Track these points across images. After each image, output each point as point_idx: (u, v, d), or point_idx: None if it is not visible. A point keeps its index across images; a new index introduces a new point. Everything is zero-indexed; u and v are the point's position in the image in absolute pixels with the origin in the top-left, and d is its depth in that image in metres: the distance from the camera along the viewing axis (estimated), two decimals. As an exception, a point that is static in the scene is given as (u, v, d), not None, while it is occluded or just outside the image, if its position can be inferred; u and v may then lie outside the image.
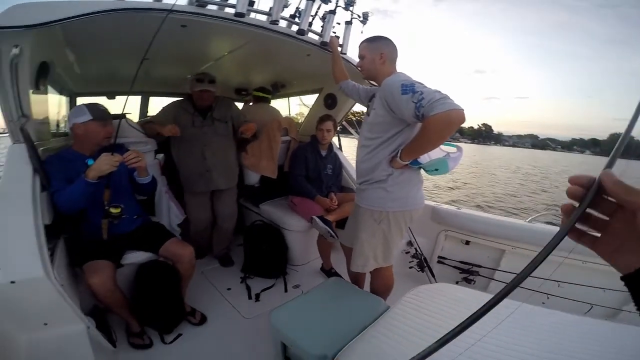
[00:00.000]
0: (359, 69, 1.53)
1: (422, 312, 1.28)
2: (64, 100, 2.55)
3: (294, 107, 3.68)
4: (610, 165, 0.36)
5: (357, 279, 1.87)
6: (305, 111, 3.33)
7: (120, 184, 1.63)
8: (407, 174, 1.44)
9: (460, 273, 2.26)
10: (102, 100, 2.69)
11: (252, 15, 1.57)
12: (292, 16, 1.71)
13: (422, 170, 1.53)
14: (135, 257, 1.70)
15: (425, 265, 2.23)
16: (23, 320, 1.19)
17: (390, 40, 1.45)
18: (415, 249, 2.28)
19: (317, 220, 2.15)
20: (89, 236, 1.56)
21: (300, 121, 3.46)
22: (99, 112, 1.57)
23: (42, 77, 1.45)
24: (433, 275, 2.21)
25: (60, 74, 2.01)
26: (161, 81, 2.83)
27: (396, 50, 1.45)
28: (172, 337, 1.69)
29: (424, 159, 1.38)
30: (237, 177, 2.35)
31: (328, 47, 1.85)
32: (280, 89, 3.29)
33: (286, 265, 2.46)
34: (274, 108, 3.05)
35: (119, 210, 1.47)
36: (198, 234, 2.39)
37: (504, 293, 0.36)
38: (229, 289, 2.22)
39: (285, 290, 2.25)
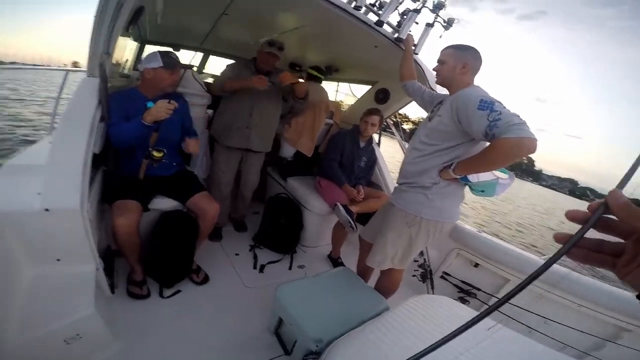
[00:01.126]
0: (435, 72, 1.48)
1: (421, 319, 1.28)
2: (135, 45, 2.68)
3: (341, 94, 3.65)
4: (622, 184, 0.33)
5: (365, 273, 1.88)
6: (350, 100, 3.31)
7: (169, 130, 1.68)
8: (452, 187, 1.41)
9: (458, 292, 2.26)
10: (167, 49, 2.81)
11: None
12: (373, 5, 1.68)
13: (466, 188, 1.49)
14: (163, 204, 1.74)
15: (429, 277, 2.24)
16: (38, 253, 1.18)
17: (479, 53, 1.38)
18: (425, 259, 2.27)
19: (341, 207, 2.14)
20: (127, 173, 1.63)
21: (343, 108, 3.45)
22: (170, 60, 1.63)
23: (134, 21, 1.51)
24: (432, 288, 2.21)
25: (142, 20, 2.07)
26: (227, 43, 2.90)
27: (481, 64, 1.39)
28: (171, 292, 1.71)
29: (474, 177, 1.34)
30: (271, 145, 2.36)
31: (402, 43, 1.81)
32: (333, 73, 3.27)
33: (297, 244, 2.50)
34: (324, 89, 3.04)
35: (161, 154, 1.52)
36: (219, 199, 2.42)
37: (485, 313, 0.40)
38: (236, 254, 2.26)
39: (290, 268, 2.28)
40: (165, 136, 1.64)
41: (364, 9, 1.63)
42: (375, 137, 2.73)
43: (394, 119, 2.94)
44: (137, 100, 1.60)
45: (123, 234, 1.46)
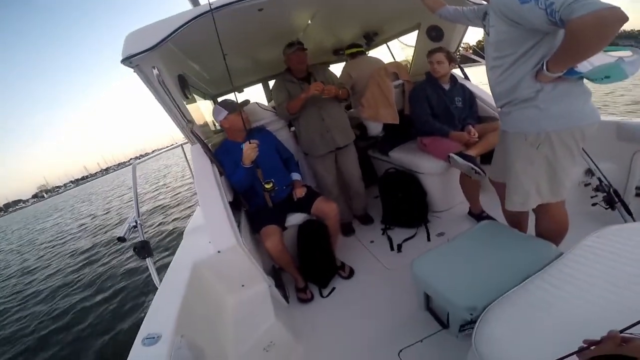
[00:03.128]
0: None
1: (611, 259, 0.97)
2: (209, 103, 3.16)
3: (398, 52, 3.40)
4: None
5: (517, 221, 1.59)
6: (411, 53, 3.01)
7: (267, 162, 1.94)
8: (563, 86, 1.15)
9: None
10: (232, 95, 3.16)
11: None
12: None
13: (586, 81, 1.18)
14: (295, 219, 1.99)
15: (617, 199, 1.64)
16: (229, 283, 1.54)
17: None
18: (599, 178, 1.66)
19: (456, 157, 1.90)
20: (260, 206, 1.95)
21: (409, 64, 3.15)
22: (230, 104, 1.91)
23: (185, 87, 1.81)
24: (630, 214, 1.62)
25: (196, 83, 2.46)
26: (267, 65, 3.07)
27: None
28: (328, 290, 1.91)
29: (584, 67, 1.09)
30: (352, 134, 2.36)
31: None
32: (373, 38, 3.09)
33: (427, 213, 2.33)
34: (375, 58, 2.89)
35: (270, 185, 1.72)
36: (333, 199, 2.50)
37: None
38: (372, 242, 2.29)
39: (429, 239, 2.14)
40: (268, 167, 1.88)
41: None
42: (459, 73, 2.42)
43: (463, 49, 2.56)
44: (234, 147, 1.90)
45: (275, 253, 1.75)
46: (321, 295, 1.88)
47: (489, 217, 2.07)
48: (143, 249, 1.55)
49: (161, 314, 1.16)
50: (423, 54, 2.36)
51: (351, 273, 2.00)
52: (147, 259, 1.58)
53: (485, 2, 1.35)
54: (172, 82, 1.62)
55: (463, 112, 2.23)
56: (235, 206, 1.74)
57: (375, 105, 2.44)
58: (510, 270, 1.18)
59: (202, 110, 2.46)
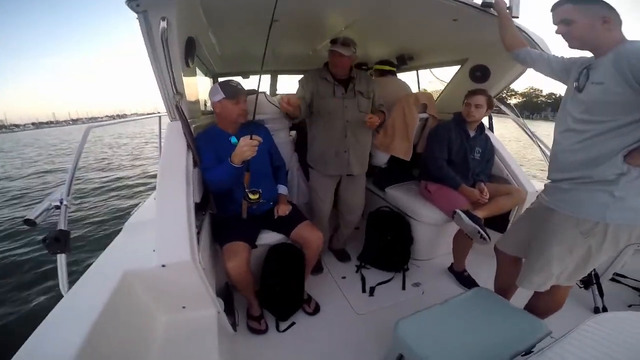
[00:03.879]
0: (563, 36, 1.13)
1: (610, 349, 0.91)
2: (208, 80, 2.78)
3: (425, 83, 3.22)
4: None
5: (506, 291, 1.53)
6: (437, 87, 2.87)
7: (259, 166, 1.62)
8: None
9: (639, 296, 1.83)
10: (237, 79, 2.94)
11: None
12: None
13: None
14: (269, 238, 1.70)
15: (594, 282, 1.78)
16: (166, 302, 1.26)
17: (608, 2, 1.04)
18: None
19: (462, 216, 1.76)
20: (230, 213, 1.62)
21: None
22: (230, 89, 1.54)
23: (190, 54, 1.48)
24: (601, 296, 1.76)
25: (204, 54, 2.12)
26: (288, 59, 2.83)
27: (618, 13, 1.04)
28: (287, 324, 1.68)
29: None
30: (367, 164, 2.06)
31: (491, 9, 1.49)
32: (407, 62, 2.86)
33: (408, 260, 2.18)
34: (404, 82, 2.66)
35: (257, 196, 1.44)
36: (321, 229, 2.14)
37: None
38: (343, 278, 2.10)
39: (404, 288, 2.00)
40: (257, 173, 1.55)
41: None
42: (485, 121, 2.23)
43: (503, 95, 2.39)
44: (221, 137, 1.57)
45: (235, 275, 1.46)
46: (277, 329, 1.65)
47: (469, 278, 2.00)
48: (57, 242, 1.09)
49: (58, 335, 0.86)
50: (456, 91, 2.22)
51: (316, 309, 1.78)
52: (58, 256, 1.14)
53: (584, 56, 1.18)
54: (178, 44, 1.29)
55: (479, 166, 2.07)
56: (200, 206, 1.44)
57: (392, 135, 2.24)
58: (500, 346, 1.10)
59: (198, 86, 2.17)
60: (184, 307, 1.28)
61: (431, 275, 2.12)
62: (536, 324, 1.21)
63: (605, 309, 1.70)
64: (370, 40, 2.46)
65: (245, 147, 1.34)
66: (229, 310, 1.51)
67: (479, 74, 2.29)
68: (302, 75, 1.88)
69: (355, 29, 1.96)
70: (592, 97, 1.04)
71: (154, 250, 1.15)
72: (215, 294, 1.37)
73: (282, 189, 1.83)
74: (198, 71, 2.11)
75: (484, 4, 1.47)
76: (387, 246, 2.11)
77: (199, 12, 1.52)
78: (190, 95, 1.58)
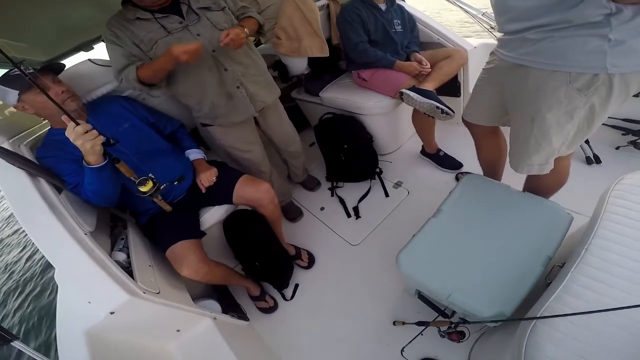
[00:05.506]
0: None
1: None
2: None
3: None
4: None
5: (494, 170, 1.39)
6: None
7: (141, 147, 1.23)
8: None
9: (623, 135, 1.67)
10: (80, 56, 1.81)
11: None
12: None
13: None
14: (213, 217, 1.41)
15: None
16: (157, 334, 1.09)
17: None
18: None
19: (411, 94, 1.53)
20: (154, 214, 1.29)
21: None
22: (18, 80, 1.02)
23: None
24: (588, 143, 1.66)
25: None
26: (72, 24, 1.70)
27: None
28: (291, 290, 1.56)
29: None
30: (276, 85, 1.57)
31: None
32: None
33: (377, 161, 2.00)
34: None
35: (149, 185, 1.07)
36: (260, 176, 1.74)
37: None
38: (322, 209, 1.93)
39: (387, 194, 1.86)
40: (138, 156, 1.16)
41: None
42: None
43: None
44: (66, 138, 1.04)
45: (198, 279, 1.21)
46: (284, 299, 1.54)
47: (447, 157, 1.87)
48: None
49: None
50: None
51: (311, 259, 1.65)
52: (13, 343, 0.87)
53: None
54: None
55: (405, 38, 1.83)
56: (113, 225, 1.24)
57: (296, 36, 1.80)
58: (526, 250, 0.95)
59: None
60: (178, 331, 1.11)
61: (407, 167, 2.01)
62: (554, 211, 1.01)
63: (596, 157, 1.62)
64: None
65: (80, 141, 0.95)
66: (231, 304, 1.43)
67: None
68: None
69: None
70: None
71: (89, 302, 0.91)
72: (206, 295, 1.27)
73: (193, 154, 1.43)
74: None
75: None
76: (348, 154, 1.90)
77: None
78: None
